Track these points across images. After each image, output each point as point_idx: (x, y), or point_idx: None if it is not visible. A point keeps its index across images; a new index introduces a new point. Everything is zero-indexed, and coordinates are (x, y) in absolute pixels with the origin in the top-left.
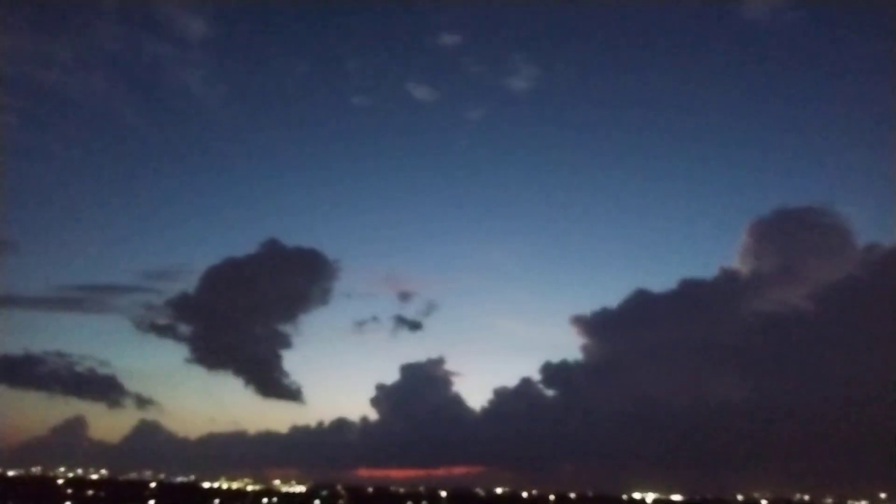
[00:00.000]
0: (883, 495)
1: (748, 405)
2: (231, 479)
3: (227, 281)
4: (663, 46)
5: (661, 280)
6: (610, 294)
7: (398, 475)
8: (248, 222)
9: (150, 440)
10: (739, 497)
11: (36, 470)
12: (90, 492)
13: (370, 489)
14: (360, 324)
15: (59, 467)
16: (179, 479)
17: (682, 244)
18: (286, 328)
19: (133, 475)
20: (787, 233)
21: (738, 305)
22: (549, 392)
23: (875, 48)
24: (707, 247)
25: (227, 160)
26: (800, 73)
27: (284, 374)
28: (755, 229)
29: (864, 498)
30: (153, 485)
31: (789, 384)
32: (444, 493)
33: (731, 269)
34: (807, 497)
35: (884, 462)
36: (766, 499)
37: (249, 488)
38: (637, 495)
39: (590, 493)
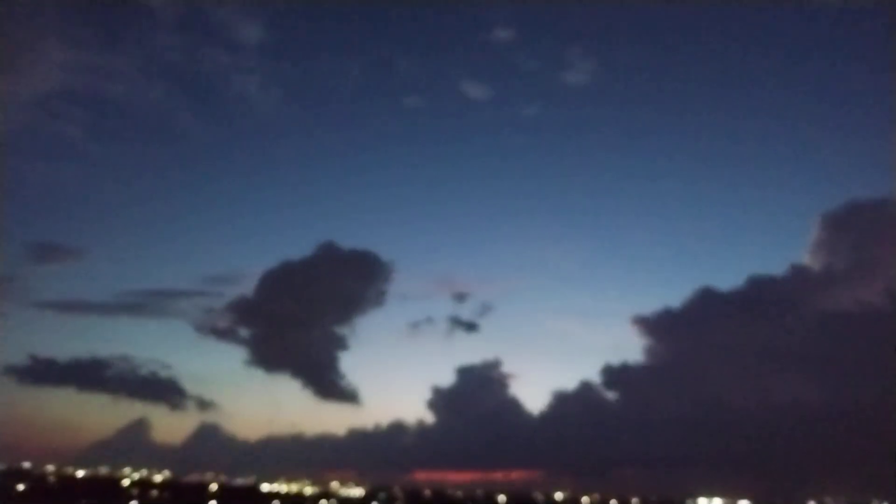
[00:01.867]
0: None
1: (820, 408)
2: (290, 481)
3: (284, 284)
4: (726, 39)
5: (728, 278)
6: (673, 293)
7: (455, 478)
8: (304, 226)
9: (211, 442)
10: (812, 503)
11: (104, 470)
12: (154, 492)
13: (427, 492)
14: (415, 325)
15: (125, 468)
16: (239, 480)
17: (749, 240)
18: (342, 330)
19: (194, 477)
20: (860, 226)
21: (809, 303)
22: (610, 395)
23: None
24: (775, 242)
25: (283, 164)
26: (867, 63)
27: (341, 375)
28: (826, 223)
29: None
30: (214, 486)
31: (865, 385)
32: (502, 497)
33: (801, 265)
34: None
35: None
36: None
37: (308, 490)
38: (702, 500)
39: (653, 498)
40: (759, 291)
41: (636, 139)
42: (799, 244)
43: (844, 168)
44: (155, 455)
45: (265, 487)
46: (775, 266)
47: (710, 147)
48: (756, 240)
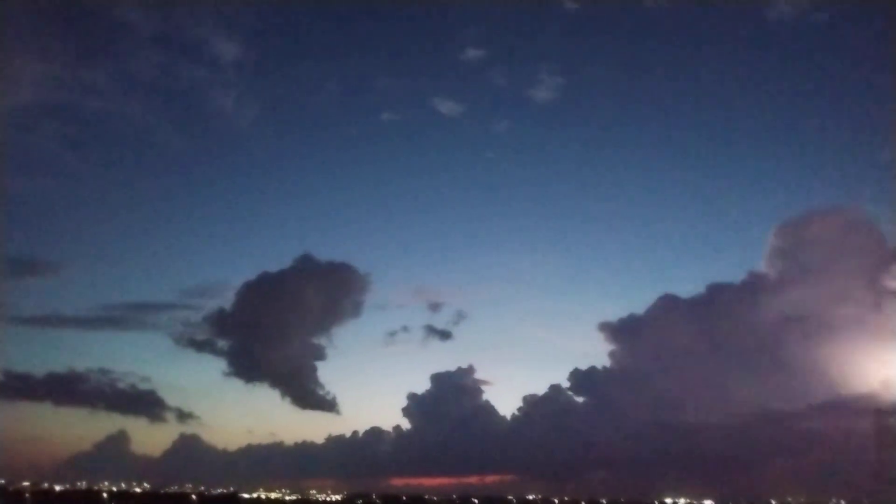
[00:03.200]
0: None
1: (780, 410)
2: (269, 489)
3: (263, 296)
4: (687, 52)
5: (689, 285)
6: (637, 300)
7: (431, 483)
8: (281, 238)
9: (191, 453)
10: (773, 502)
11: (81, 484)
12: None
13: (404, 498)
14: (391, 334)
15: (103, 481)
16: (219, 490)
17: (709, 248)
18: (320, 340)
19: (174, 488)
20: (814, 234)
21: (767, 309)
22: (579, 399)
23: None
24: (734, 250)
25: (261, 178)
26: (824, 73)
27: (319, 385)
28: (782, 232)
29: None
30: (194, 497)
31: (821, 387)
32: (476, 501)
33: (758, 272)
34: (842, 502)
35: None
36: None
37: (287, 498)
38: (668, 500)
39: (621, 499)
40: (718, 297)
41: (600, 154)
42: (755, 253)
43: (798, 180)
44: (134, 467)
45: (245, 496)
46: (733, 273)
47: (670, 162)
48: (715, 248)
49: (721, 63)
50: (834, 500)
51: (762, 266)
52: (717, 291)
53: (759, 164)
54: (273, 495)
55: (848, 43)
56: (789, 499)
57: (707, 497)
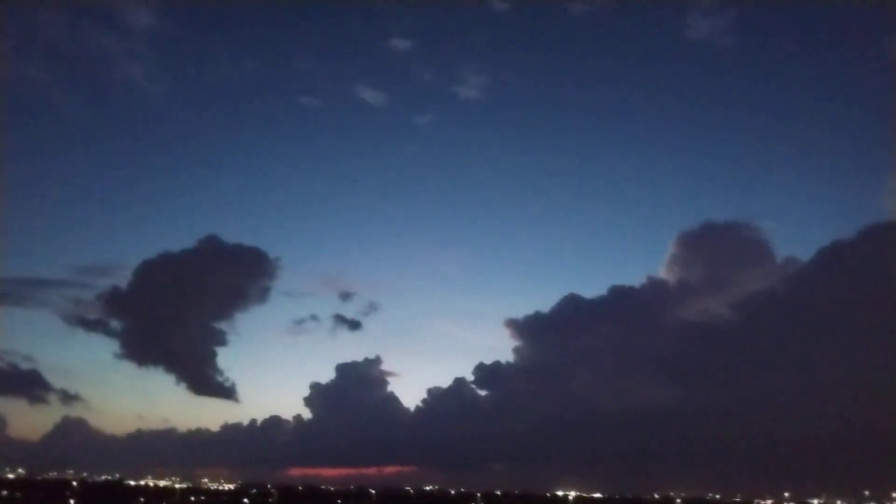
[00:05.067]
0: (787, 494)
1: (672, 409)
2: (159, 476)
3: (162, 276)
4: (606, 62)
5: (592, 286)
6: (543, 298)
7: (329, 474)
8: (186, 218)
9: (75, 438)
10: (656, 496)
11: None
12: (5, 492)
13: (300, 488)
14: (298, 322)
15: None
16: (104, 477)
17: (613, 253)
18: (222, 325)
19: (54, 474)
20: (711, 245)
21: (664, 312)
22: (482, 392)
23: (797, 72)
24: (636, 256)
25: (168, 154)
26: (730, 95)
27: (218, 371)
28: (682, 241)
29: (770, 497)
30: (75, 484)
31: (711, 390)
32: (374, 492)
33: (658, 277)
34: (718, 496)
35: (787, 464)
36: (679, 498)
37: (177, 486)
38: (560, 493)
39: (516, 491)
40: (619, 299)
41: (515, 156)
42: (656, 259)
43: (702, 191)
44: (10, 452)
45: (132, 483)
46: (635, 277)
47: (579, 169)
48: (619, 253)
49: (636, 75)
50: (710, 495)
51: (662, 272)
52: (618, 294)
53: (665, 175)
54: (162, 483)
55: (755, 65)
56: (671, 493)
57: (597, 490)
